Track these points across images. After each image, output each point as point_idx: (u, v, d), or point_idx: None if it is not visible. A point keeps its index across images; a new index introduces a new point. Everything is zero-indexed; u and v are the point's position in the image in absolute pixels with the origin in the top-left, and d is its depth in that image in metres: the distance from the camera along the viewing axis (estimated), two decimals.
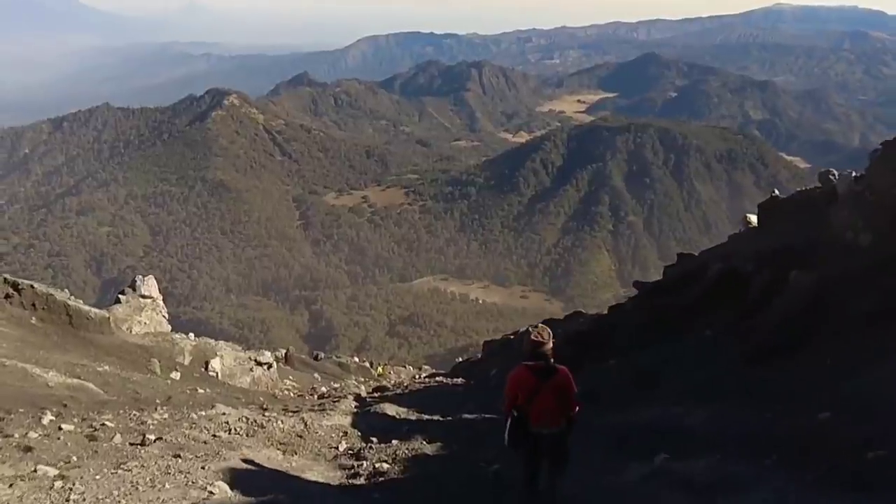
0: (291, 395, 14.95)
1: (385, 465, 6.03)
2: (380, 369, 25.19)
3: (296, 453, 6.38)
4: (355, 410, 9.00)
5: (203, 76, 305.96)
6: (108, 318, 12.93)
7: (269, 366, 16.08)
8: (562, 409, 4.31)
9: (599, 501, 4.82)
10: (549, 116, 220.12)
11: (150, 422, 6.62)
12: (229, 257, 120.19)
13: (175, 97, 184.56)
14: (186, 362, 13.21)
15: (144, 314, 14.35)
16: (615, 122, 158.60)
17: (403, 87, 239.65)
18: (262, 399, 11.32)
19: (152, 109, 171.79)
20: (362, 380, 21.00)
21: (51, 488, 4.19)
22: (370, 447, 6.73)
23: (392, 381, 20.06)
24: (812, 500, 3.96)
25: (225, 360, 14.29)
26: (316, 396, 14.27)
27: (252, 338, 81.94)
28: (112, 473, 4.62)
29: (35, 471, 4.52)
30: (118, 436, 5.72)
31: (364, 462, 6.16)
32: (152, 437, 5.76)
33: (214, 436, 6.31)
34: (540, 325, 4.76)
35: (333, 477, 5.80)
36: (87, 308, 12.84)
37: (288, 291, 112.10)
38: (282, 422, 7.18)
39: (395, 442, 6.88)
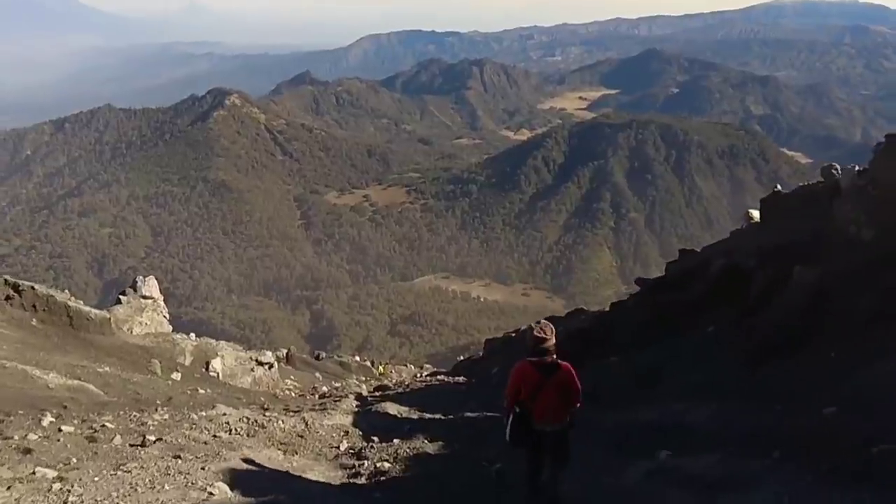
0: (292, 394, 14.95)
1: (386, 465, 6.00)
2: (381, 368, 25.21)
3: (297, 453, 6.36)
4: (356, 410, 8.98)
5: (205, 76, 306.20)
6: (109, 318, 12.93)
7: (270, 366, 16.08)
8: (565, 405, 4.27)
9: (603, 500, 4.78)
10: (551, 114, 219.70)
11: (150, 423, 6.61)
12: (231, 257, 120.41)
13: (177, 97, 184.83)
14: (187, 363, 13.21)
15: (145, 315, 14.35)
16: (617, 118, 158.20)
17: (405, 85, 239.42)
18: (262, 399, 11.31)
19: (154, 110, 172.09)
20: (363, 379, 21.00)
21: (49, 490, 4.16)
22: (371, 446, 6.71)
23: (393, 381, 20.06)
24: (818, 495, 3.93)
25: (226, 360, 14.29)
26: (317, 396, 14.28)
27: (253, 338, 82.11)
28: (111, 475, 4.60)
29: (34, 473, 4.49)
30: (118, 437, 5.70)
31: (365, 461, 6.13)
32: (152, 438, 5.74)
33: (215, 436, 6.29)
34: (543, 321, 4.73)
35: (335, 477, 5.77)
36: (87, 309, 12.84)
37: (289, 291, 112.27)
38: (283, 422, 7.15)
39: (396, 441, 6.86)
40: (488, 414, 8.46)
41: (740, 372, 7.71)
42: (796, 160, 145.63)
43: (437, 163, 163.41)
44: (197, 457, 5.32)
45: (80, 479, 4.40)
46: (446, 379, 17.91)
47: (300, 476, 5.57)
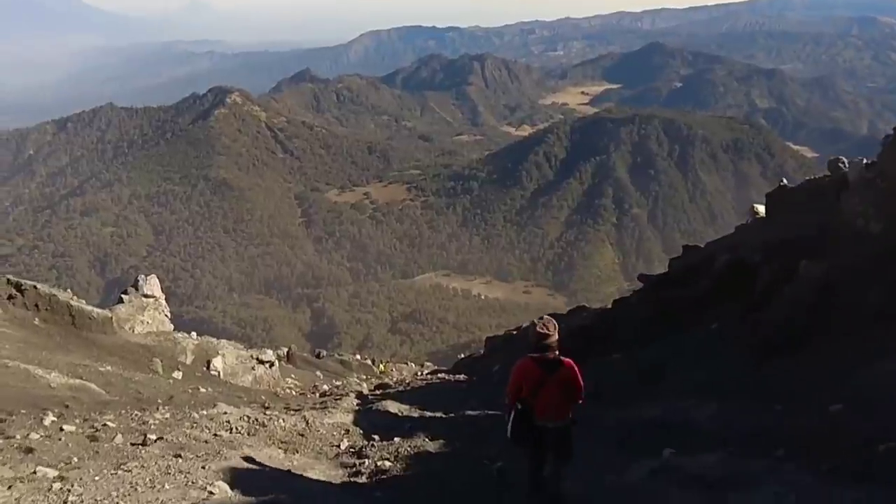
0: (293, 393, 14.96)
1: (387, 463, 5.98)
2: (382, 367, 25.22)
3: (297, 452, 6.34)
4: (357, 408, 8.96)
5: (206, 74, 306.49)
6: (111, 318, 12.95)
7: (271, 364, 16.09)
8: (567, 402, 4.24)
9: (605, 498, 4.74)
10: (553, 109, 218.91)
11: (151, 422, 6.60)
12: (232, 256, 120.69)
13: (178, 96, 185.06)
14: (188, 361, 13.23)
15: (147, 314, 14.37)
16: (619, 113, 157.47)
17: (405, 81, 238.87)
18: (263, 398, 11.31)
19: (155, 109, 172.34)
20: (364, 377, 21.02)
21: (49, 490, 4.15)
22: (372, 445, 6.69)
23: (394, 379, 20.05)
24: (824, 492, 3.89)
25: (227, 358, 14.30)
26: (318, 394, 14.29)
27: (254, 336, 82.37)
28: (112, 474, 4.58)
29: (35, 472, 4.49)
30: (119, 436, 5.69)
31: (366, 460, 6.11)
32: (153, 437, 5.73)
33: (216, 435, 6.27)
34: (546, 316, 4.68)
35: (335, 475, 5.75)
36: (89, 308, 12.86)
37: (290, 289, 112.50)
38: (283, 420, 7.14)
39: (397, 440, 6.83)
40: (489, 412, 8.43)
41: (744, 369, 7.65)
42: (802, 154, 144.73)
43: (438, 159, 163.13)
44: (198, 456, 5.30)
45: (81, 479, 4.39)
46: (447, 377, 17.88)
47: (301, 475, 5.55)
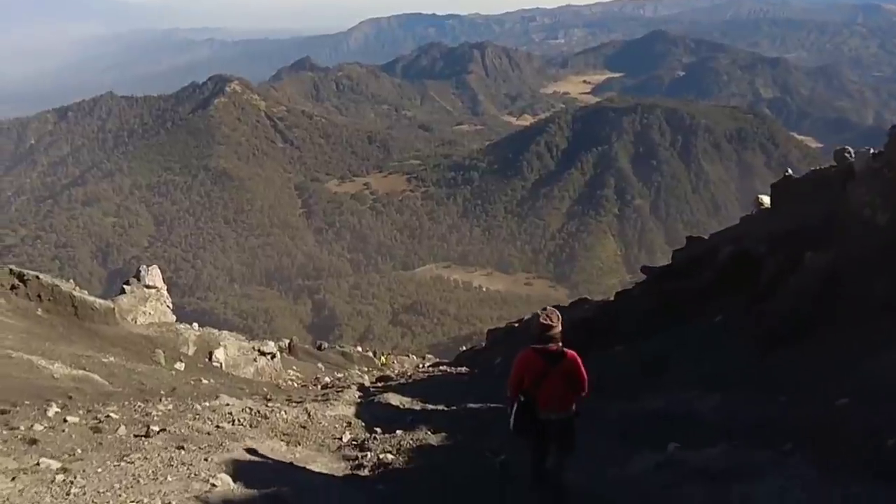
0: (295, 385, 15.01)
1: (389, 456, 5.98)
2: (383, 359, 25.34)
3: (299, 444, 6.35)
4: (359, 400, 8.98)
5: (205, 62, 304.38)
6: (113, 308, 12.96)
7: (273, 356, 16.14)
8: (570, 394, 4.22)
9: (608, 490, 4.74)
10: (554, 98, 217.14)
11: (154, 413, 6.60)
12: (232, 247, 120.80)
13: (178, 84, 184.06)
14: (191, 353, 13.26)
15: (149, 304, 14.38)
16: (621, 102, 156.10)
17: (405, 69, 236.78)
18: (265, 389, 11.35)
19: (155, 98, 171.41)
20: (366, 369, 21.09)
21: (52, 482, 4.15)
22: (374, 438, 6.69)
23: (395, 371, 20.14)
24: (831, 485, 3.87)
25: (229, 350, 14.34)
26: (319, 386, 14.33)
27: (256, 328, 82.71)
28: (115, 466, 4.58)
29: (38, 464, 4.48)
30: (122, 427, 5.70)
31: (368, 453, 6.11)
32: (156, 429, 5.73)
33: (218, 427, 6.28)
34: (549, 307, 4.65)
35: (337, 468, 5.76)
36: (91, 299, 12.86)
37: (291, 281, 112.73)
38: (285, 412, 7.14)
39: (399, 432, 6.83)
40: (491, 405, 8.43)
41: (748, 360, 7.63)
42: (806, 144, 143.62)
43: (438, 149, 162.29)
44: (200, 447, 5.31)
45: (84, 471, 4.39)
46: (448, 369, 17.94)
47: (303, 467, 5.55)
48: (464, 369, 17.02)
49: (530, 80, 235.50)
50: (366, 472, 5.59)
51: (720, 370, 7.77)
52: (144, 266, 15.78)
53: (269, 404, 7.70)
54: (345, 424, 7.34)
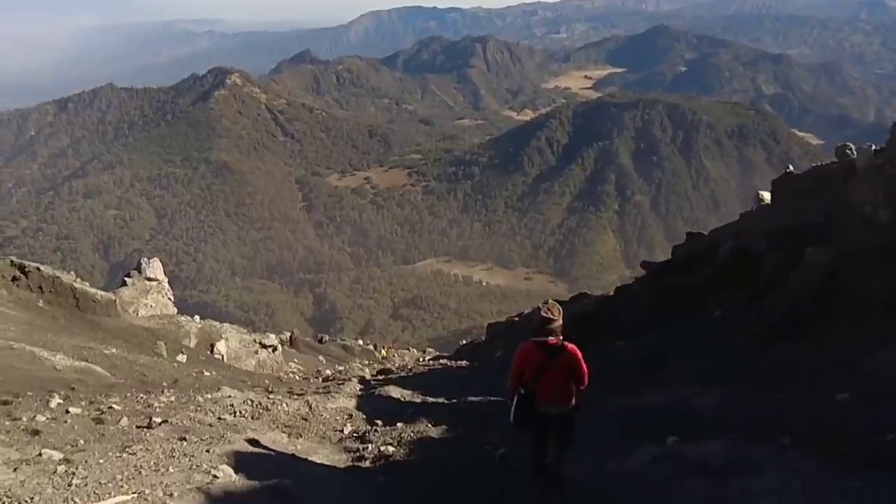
0: (296, 377, 15.05)
1: (390, 448, 6.01)
2: (384, 352, 25.40)
3: (301, 436, 6.37)
4: (360, 393, 9.01)
5: (205, 54, 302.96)
6: (115, 300, 12.98)
7: (274, 349, 16.19)
8: (570, 387, 4.23)
9: (607, 484, 4.76)
10: (555, 93, 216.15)
11: (156, 404, 6.62)
12: (234, 240, 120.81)
13: (178, 76, 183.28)
14: (192, 345, 13.30)
15: (150, 297, 14.41)
16: (622, 97, 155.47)
17: (406, 63, 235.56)
18: (267, 382, 11.37)
19: (155, 90, 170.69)
20: (366, 362, 21.15)
21: (54, 473, 4.17)
22: (375, 430, 6.72)
23: (396, 364, 20.19)
24: (829, 480, 3.89)
25: (230, 342, 14.38)
26: (320, 379, 14.36)
27: (257, 321, 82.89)
28: (117, 457, 4.59)
29: (40, 455, 4.50)
30: (125, 419, 5.71)
31: (369, 445, 6.14)
32: (158, 420, 5.75)
33: (220, 418, 6.30)
34: (550, 301, 4.65)
35: (339, 460, 5.78)
36: (93, 291, 12.88)
37: (292, 274, 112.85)
38: (287, 404, 7.17)
39: (399, 425, 6.86)
40: (491, 398, 8.46)
41: (748, 356, 7.65)
42: (807, 141, 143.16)
43: (439, 144, 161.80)
44: (202, 439, 5.32)
45: (86, 462, 4.40)
46: (449, 363, 17.97)
47: (305, 459, 5.57)
48: (464, 363, 17.06)
49: (532, 74, 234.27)
50: (367, 464, 5.62)
51: (719, 366, 7.78)
52: (145, 258, 15.79)
53: (271, 396, 7.73)
54: (346, 417, 7.37)
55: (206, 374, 10.80)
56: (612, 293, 16.56)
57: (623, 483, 4.72)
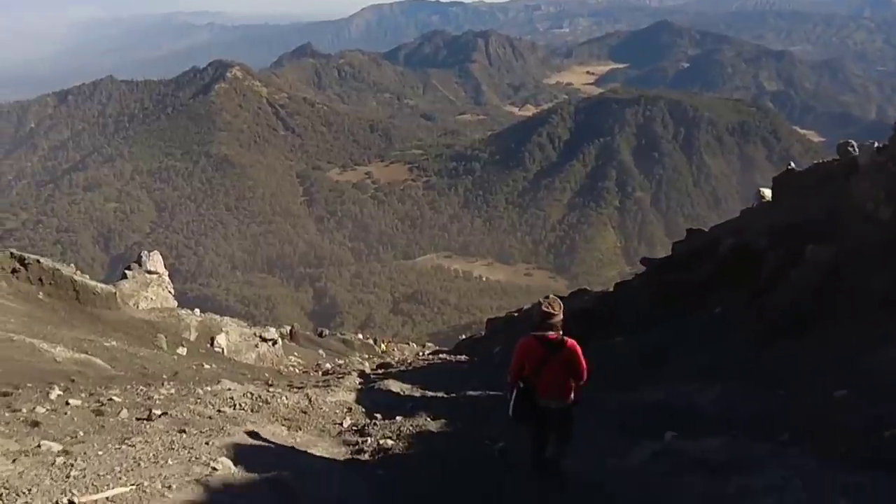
0: (296, 371, 15.07)
1: (389, 442, 6.01)
2: (383, 346, 25.42)
3: (300, 429, 6.38)
4: (359, 387, 9.02)
5: (205, 47, 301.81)
6: (115, 293, 12.98)
7: (274, 342, 16.21)
8: (570, 382, 4.23)
9: (606, 480, 4.77)
10: (557, 89, 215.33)
11: (156, 397, 6.63)
12: (234, 234, 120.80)
13: (178, 68, 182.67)
14: (192, 338, 13.31)
15: (151, 290, 14.40)
16: (624, 94, 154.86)
17: (408, 58, 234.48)
18: (267, 375, 11.40)
19: (156, 82, 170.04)
20: (366, 356, 21.17)
21: (52, 464, 4.16)
22: (374, 423, 6.73)
23: (396, 358, 20.21)
24: (829, 477, 3.89)
25: (230, 336, 14.39)
26: (320, 373, 14.39)
27: (258, 314, 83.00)
28: (116, 449, 4.59)
29: (39, 446, 4.50)
30: (125, 411, 5.71)
31: (368, 438, 6.15)
32: (158, 412, 5.75)
33: (219, 411, 6.31)
34: (551, 296, 4.66)
35: (338, 453, 5.79)
36: (93, 283, 12.88)
37: (293, 268, 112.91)
38: (286, 398, 7.18)
39: (399, 418, 6.87)
40: (490, 393, 8.48)
41: (748, 353, 7.64)
42: (808, 139, 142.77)
43: (440, 139, 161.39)
44: (201, 431, 5.32)
45: (85, 453, 4.40)
46: (448, 358, 17.99)
47: (304, 452, 5.58)
48: (463, 358, 17.08)
49: (534, 70, 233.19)
50: (366, 457, 5.63)
51: (720, 363, 7.78)
52: (146, 251, 15.78)
53: (271, 389, 7.74)
54: (345, 410, 7.38)
55: (206, 366, 10.81)
56: (611, 289, 16.54)
57: (623, 479, 4.72)
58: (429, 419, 6.90)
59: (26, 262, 12.23)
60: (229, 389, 7.24)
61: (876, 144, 10.15)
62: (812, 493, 3.72)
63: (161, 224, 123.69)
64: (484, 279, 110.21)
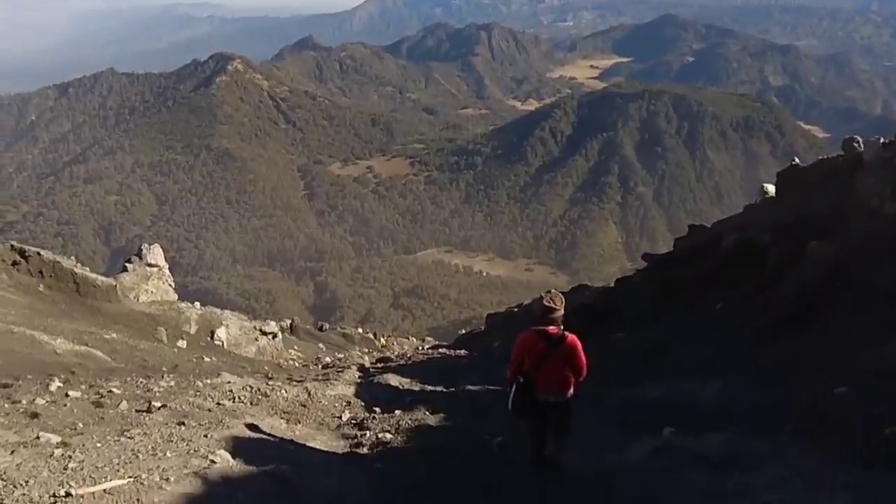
0: (296, 364, 15.09)
1: (388, 436, 6.02)
2: (383, 340, 25.48)
3: (299, 422, 6.38)
4: (359, 381, 9.03)
5: (206, 39, 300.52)
6: (115, 286, 12.98)
7: (275, 336, 16.24)
8: (570, 377, 4.22)
9: (606, 476, 4.76)
10: (560, 83, 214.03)
11: (156, 389, 6.63)
12: (235, 227, 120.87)
13: (178, 61, 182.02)
14: (193, 331, 13.32)
15: (151, 283, 14.41)
16: (628, 88, 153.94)
17: (410, 51, 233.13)
18: (266, 368, 11.41)
19: (156, 75, 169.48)
20: (366, 351, 21.22)
21: (51, 456, 4.16)
22: (373, 417, 6.73)
23: (395, 353, 20.26)
24: (828, 474, 3.87)
25: (231, 329, 14.41)
26: (320, 366, 14.41)
27: (258, 308, 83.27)
28: (115, 441, 4.59)
29: (38, 438, 4.49)
30: (124, 403, 5.71)
31: (367, 432, 6.15)
32: (157, 405, 5.75)
33: (219, 404, 6.31)
34: (553, 290, 4.63)
35: (337, 446, 5.80)
36: (93, 276, 12.87)
37: (293, 262, 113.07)
38: (286, 391, 7.18)
39: (398, 412, 6.87)
40: (490, 387, 8.48)
41: (749, 349, 7.62)
42: (813, 134, 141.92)
43: (442, 133, 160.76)
44: (200, 424, 5.32)
45: (83, 445, 4.40)
46: (448, 352, 18.03)
47: (303, 445, 5.58)
48: (463, 352, 17.11)
49: (537, 63, 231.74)
50: (364, 451, 5.63)
51: (721, 358, 7.75)
52: (146, 244, 15.77)
53: (270, 383, 7.74)
54: (344, 404, 7.38)
55: (206, 359, 10.83)
56: (613, 285, 16.51)
57: (622, 474, 4.71)
58: (428, 413, 6.90)
59: (27, 254, 12.23)
60: (229, 382, 7.24)
61: (881, 140, 10.07)
62: (812, 490, 3.70)
63: (162, 217, 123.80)
64: (484, 274, 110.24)
